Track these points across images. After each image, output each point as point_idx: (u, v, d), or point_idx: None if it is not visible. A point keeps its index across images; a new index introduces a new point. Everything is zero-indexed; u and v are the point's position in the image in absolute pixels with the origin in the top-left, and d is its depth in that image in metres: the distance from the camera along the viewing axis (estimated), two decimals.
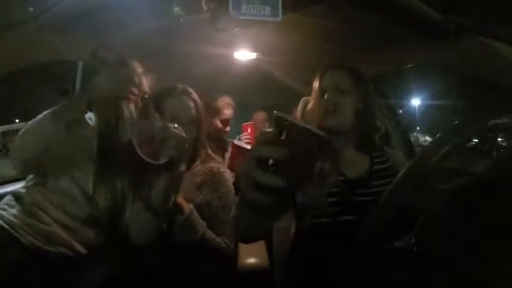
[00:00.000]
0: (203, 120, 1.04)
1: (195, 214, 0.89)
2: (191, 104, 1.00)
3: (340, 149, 0.96)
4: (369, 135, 0.99)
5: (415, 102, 18.59)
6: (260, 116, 2.03)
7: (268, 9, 0.80)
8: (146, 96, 1.05)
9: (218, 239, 0.93)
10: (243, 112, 2.21)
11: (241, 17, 0.79)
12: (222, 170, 1.03)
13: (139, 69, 1.05)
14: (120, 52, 1.10)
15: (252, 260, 1.20)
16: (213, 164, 1.02)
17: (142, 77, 1.05)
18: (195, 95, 1.03)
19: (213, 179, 0.99)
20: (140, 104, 1.02)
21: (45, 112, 0.88)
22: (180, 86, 1.02)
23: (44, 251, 0.84)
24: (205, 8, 0.89)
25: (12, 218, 0.86)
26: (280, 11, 0.80)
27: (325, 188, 0.80)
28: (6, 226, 0.84)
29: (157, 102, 0.99)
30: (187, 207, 0.89)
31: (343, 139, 0.97)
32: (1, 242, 0.82)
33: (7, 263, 0.79)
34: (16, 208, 0.89)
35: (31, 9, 0.87)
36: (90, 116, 1.03)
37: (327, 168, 0.83)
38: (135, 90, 1.01)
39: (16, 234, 0.84)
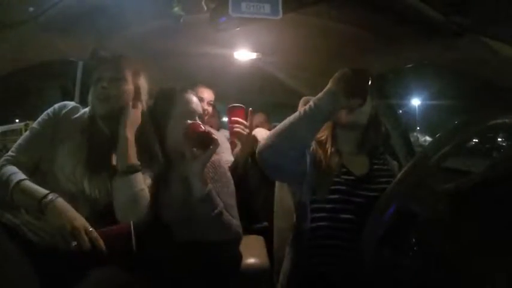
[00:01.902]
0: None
1: (214, 191, 0.95)
2: (198, 100, 1.10)
3: (350, 143, 1.04)
4: (374, 137, 1.04)
5: (415, 102, 18.57)
6: (260, 118, 2.02)
7: (268, 7, 0.79)
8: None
9: (234, 220, 0.98)
10: None
11: (241, 15, 0.78)
12: (221, 162, 1.10)
13: (139, 68, 1.07)
14: (120, 52, 1.10)
15: (252, 260, 1.20)
16: (213, 158, 1.06)
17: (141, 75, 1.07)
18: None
19: (215, 171, 1.04)
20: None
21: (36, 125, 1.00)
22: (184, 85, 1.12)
23: (50, 249, 0.84)
24: (205, 8, 0.88)
25: (14, 218, 0.86)
26: (280, 8, 0.80)
27: (329, 181, 0.94)
28: (11, 225, 0.85)
29: (169, 100, 1.05)
30: (208, 182, 0.94)
31: (353, 135, 1.04)
32: (7, 240, 0.82)
33: (14, 261, 0.79)
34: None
35: (31, 9, 0.87)
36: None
37: (333, 162, 0.89)
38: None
39: (21, 233, 0.84)
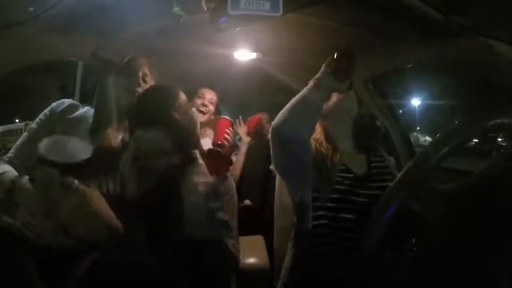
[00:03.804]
0: (197, 123, 1.06)
1: None
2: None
3: (345, 140, 1.05)
4: (367, 131, 1.06)
5: (415, 102, 18.54)
6: (263, 116, 2.02)
7: (268, 4, 0.78)
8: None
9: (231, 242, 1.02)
10: (243, 112, 2.20)
11: (240, 12, 0.77)
12: (229, 176, 1.10)
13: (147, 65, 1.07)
14: (120, 52, 1.10)
15: (252, 260, 1.20)
16: None
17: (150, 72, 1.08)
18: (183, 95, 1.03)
19: (222, 183, 1.04)
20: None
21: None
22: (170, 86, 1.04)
23: (49, 248, 0.84)
24: (205, 8, 0.88)
25: (13, 219, 0.86)
26: (280, 5, 0.78)
27: (332, 180, 0.95)
28: (10, 226, 0.84)
29: None
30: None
31: (346, 128, 1.05)
32: (8, 241, 0.82)
33: (14, 262, 0.80)
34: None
35: (31, 9, 0.86)
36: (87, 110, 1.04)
37: (334, 161, 0.95)
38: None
39: (20, 233, 0.84)
